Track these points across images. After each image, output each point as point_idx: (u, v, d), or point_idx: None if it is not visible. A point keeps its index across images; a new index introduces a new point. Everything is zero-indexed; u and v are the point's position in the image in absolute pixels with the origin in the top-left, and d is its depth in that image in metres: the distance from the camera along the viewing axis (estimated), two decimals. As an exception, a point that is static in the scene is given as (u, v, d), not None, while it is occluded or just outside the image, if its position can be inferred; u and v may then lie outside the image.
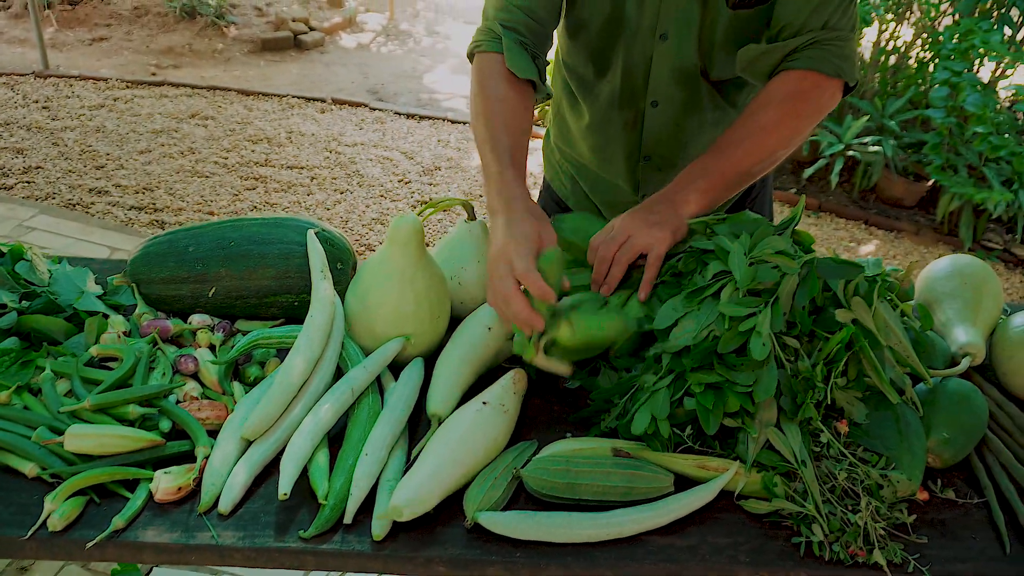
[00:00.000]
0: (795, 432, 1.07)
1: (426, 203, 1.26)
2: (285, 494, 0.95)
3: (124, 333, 1.21)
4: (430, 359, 1.19)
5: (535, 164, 4.28)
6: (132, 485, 1.00)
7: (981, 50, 4.06)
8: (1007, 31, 4.27)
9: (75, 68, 5.63)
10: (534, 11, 1.34)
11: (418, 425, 1.14)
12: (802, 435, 1.08)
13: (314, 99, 5.44)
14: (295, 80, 5.89)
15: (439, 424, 1.07)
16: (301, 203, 4.21)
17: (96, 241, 3.69)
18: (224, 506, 0.97)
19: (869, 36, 4.93)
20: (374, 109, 5.41)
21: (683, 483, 1.07)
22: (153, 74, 5.72)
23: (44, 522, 0.94)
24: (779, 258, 1.13)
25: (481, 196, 4.51)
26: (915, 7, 4.65)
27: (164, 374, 1.12)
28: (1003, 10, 4.19)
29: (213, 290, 1.23)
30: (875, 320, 1.14)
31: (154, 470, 1.00)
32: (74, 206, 4.01)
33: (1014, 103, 4.62)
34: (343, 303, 1.21)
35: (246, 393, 1.11)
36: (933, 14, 4.59)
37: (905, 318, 1.25)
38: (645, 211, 1.24)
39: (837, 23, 1.31)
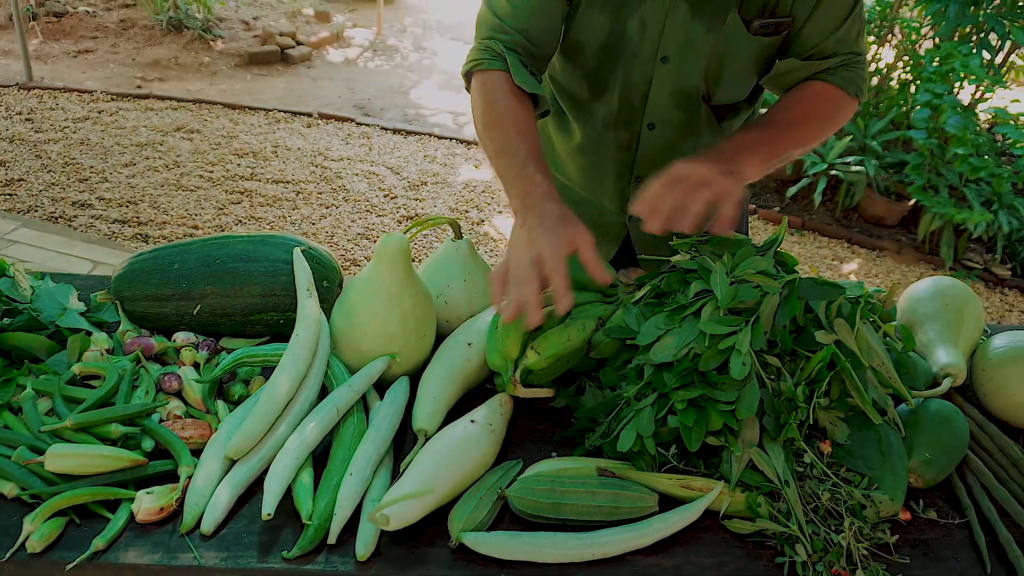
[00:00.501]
0: (778, 452, 1.08)
1: (413, 220, 1.27)
2: (269, 514, 0.94)
3: (107, 351, 1.20)
4: (415, 377, 1.19)
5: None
6: (113, 505, 0.99)
7: (961, 73, 4.13)
8: (986, 55, 4.34)
9: (60, 80, 5.61)
10: (531, 34, 1.34)
11: (404, 444, 1.13)
12: (785, 455, 1.09)
13: (300, 113, 5.44)
14: (281, 94, 5.89)
15: (426, 439, 1.07)
16: (286, 217, 4.20)
17: (78, 255, 3.67)
18: (207, 526, 0.96)
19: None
20: (360, 124, 5.42)
21: (668, 503, 1.07)
22: (139, 87, 5.70)
23: (23, 544, 0.93)
24: (760, 278, 1.14)
25: (468, 212, 4.52)
26: (896, 30, 4.73)
27: (147, 392, 1.12)
28: (982, 34, 4.26)
29: (198, 308, 1.22)
30: (858, 341, 1.15)
31: (136, 490, 0.99)
32: (57, 219, 3.98)
33: (993, 125, 4.69)
34: (329, 321, 1.20)
35: (230, 412, 1.11)
36: (914, 37, 4.67)
37: (887, 339, 1.26)
38: (713, 160, 1.19)
39: (861, 47, 1.41)
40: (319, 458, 1.07)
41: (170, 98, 5.46)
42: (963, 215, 4.14)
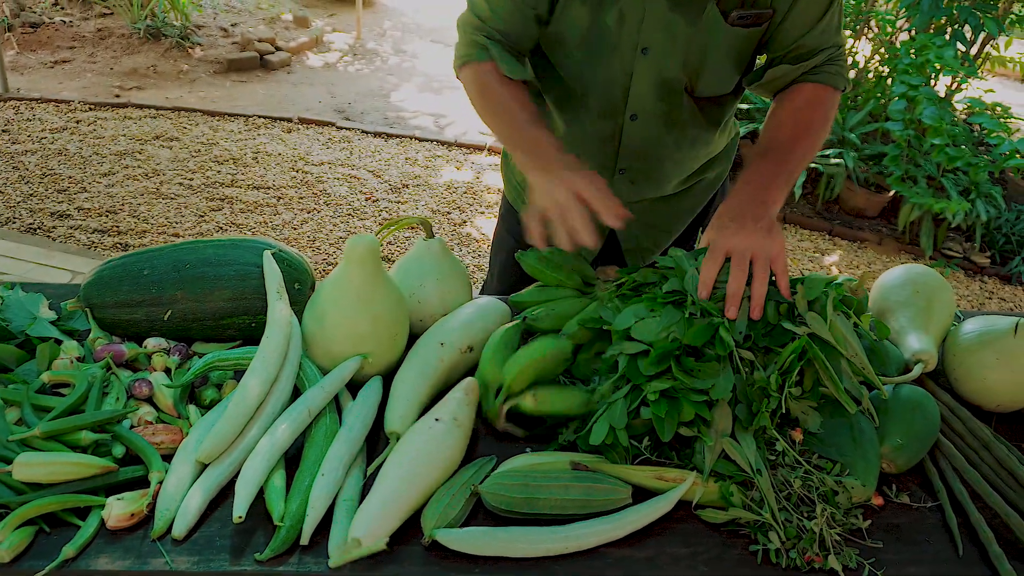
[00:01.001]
0: (750, 441, 1.08)
1: (387, 222, 1.27)
2: (240, 517, 0.94)
3: (78, 359, 1.19)
4: (390, 377, 1.19)
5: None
6: (84, 513, 0.98)
7: (937, 65, 4.16)
8: (960, 47, 4.38)
9: (36, 91, 5.56)
10: (510, 35, 1.41)
11: (378, 443, 1.13)
12: (757, 444, 1.10)
13: (280, 119, 5.42)
14: (261, 100, 5.87)
15: (397, 441, 1.07)
16: (268, 223, 4.18)
17: (57, 265, 3.64)
18: (178, 531, 0.96)
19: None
20: (341, 128, 5.41)
21: (641, 495, 1.07)
22: (117, 96, 5.66)
23: (-8, 553, 0.92)
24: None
25: (450, 213, 4.52)
26: (872, 23, 4.77)
27: (118, 399, 1.11)
28: (956, 27, 4.30)
29: (169, 313, 1.22)
30: (831, 332, 1.16)
31: (107, 497, 0.98)
32: (35, 231, 3.95)
33: (969, 115, 4.74)
34: (301, 323, 1.20)
35: (202, 416, 1.10)
36: (889, 30, 4.71)
37: (859, 328, 1.27)
38: (747, 220, 1.19)
39: (841, 39, 1.42)
40: (292, 460, 1.07)
41: (149, 106, 5.43)
42: (941, 204, 4.18)
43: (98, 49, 6.42)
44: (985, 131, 4.24)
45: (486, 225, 4.44)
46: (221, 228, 4.12)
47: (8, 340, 1.20)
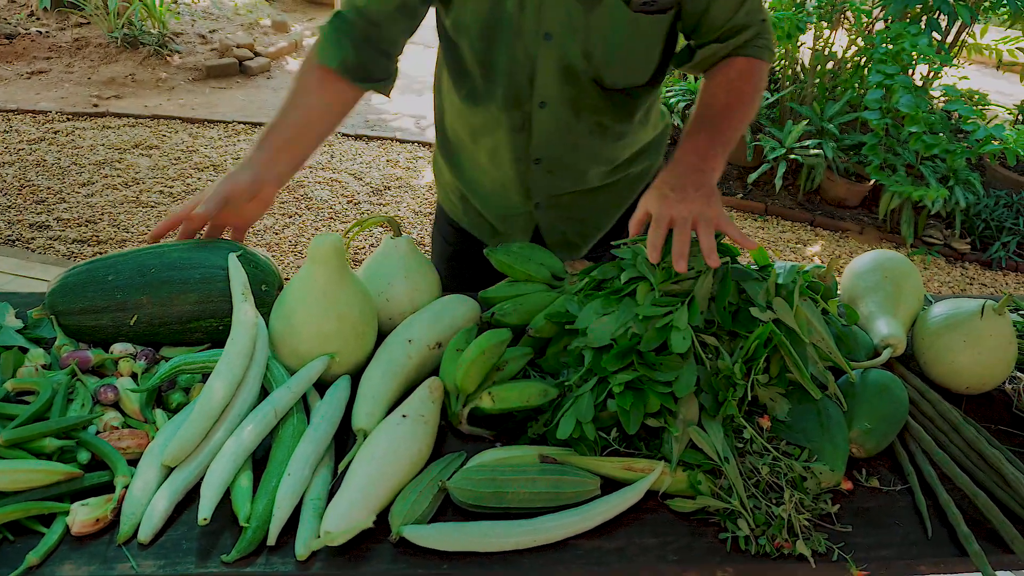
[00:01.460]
0: (717, 429, 1.09)
1: (356, 222, 1.27)
2: (205, 519, 0.94)
3: (43, 366, 1.18)
4: (359, 376, 1.18)
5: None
6: (49, 520, 0.97)
7: (912, 54, 4.19)
8: (936, 36, 4.41)
9: (13, 103, 5.52)
10: (367, 14, 1.38)
11: (347, 443, 1.13)
12: (725, 432, 1.10)
13: (261, 124, 5.40)
14: (241, 106, 5.85)
15: (364, 439, 1.07)
16: (249, 228, 4.17)
17: (36, 276, 3.62)
18: (144, 535, 0.95)
19: (807, 42, 5.06)
20: (322, 132, 5.39)
21: (611, 486, 1.08)
22: (95, 105, 5.63)
23: (-45, 563, 0.92)
24: (694, 260, 1.15)
25: (431, 213, 4.52)
26: (848, 14, 4.79)
27: (83, 405, 1.10)
28: (930, 15, 4.33)
29: (135, 318, 1.21)
30: (797, 318, 1.16)
31: (72, 503, 0.98)
32: (14, 243, 3.93)
33: (946, 103, 4.77)
34: (268, 324, 1.20)
35: (169, 420, 1.10)
36: (865, 20, 4.73)
37: (827, 315, 1.28)
38: (688, 189, 1.21)
39: (764, 15, 1.44)
40: (261, 461, 1.06)
41: (127, 115, 5.40)
42: (920, 192, 4.20)
43: (75, 59, 6.39)
44: (961, 118, 4.27)
45: (469, 225, 4.43)
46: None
47: (-28, 350, 1.19)
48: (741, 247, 1.18)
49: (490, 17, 1.35)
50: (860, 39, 4.77)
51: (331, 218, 4.32)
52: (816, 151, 4.66)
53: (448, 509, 1.04)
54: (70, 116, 5.34)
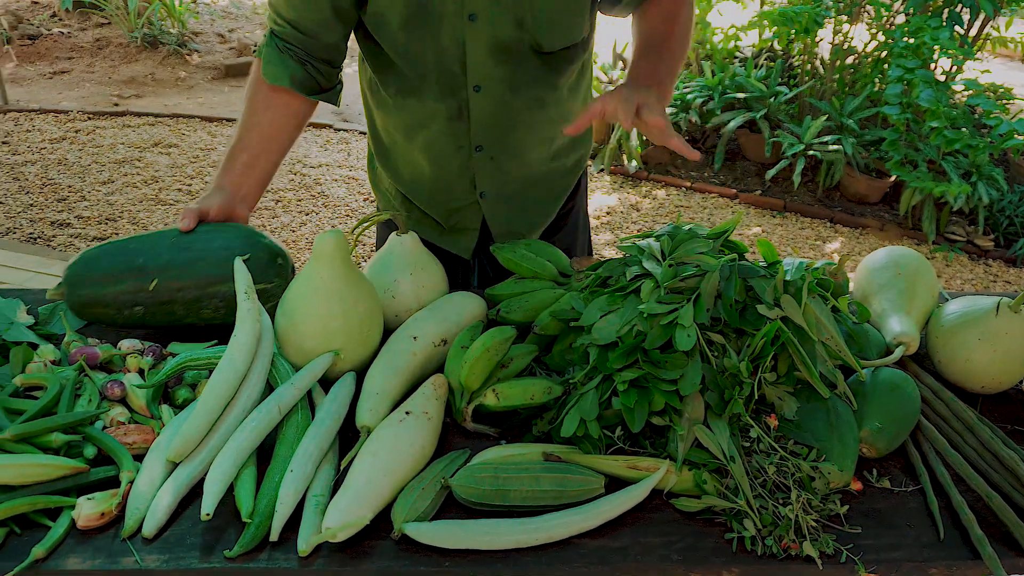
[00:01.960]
0: (723, 428, 1.08)
1: (362, 219, 1.27)
2: (208, 515, 0.94)
3: (53, 362, 1.19)
4: (364, 373, 1.18)
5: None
6: (55, 514, 0.98)
7: (934, 47, 4.13)
8: (958, 29, 4.35)
9: (36, 102, 5.60)
10: (301, 25, 1.38)
11: (351, 440, 1.13)
12: (731, 431, 1.09)
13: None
14: (260, 104, 5.88)
15: (368, 436, 1.07)
16: (266, 226, 4.19)
17: (56, 273, 3.66)
18: (148, 530, 0.96)
19: (826, 37, 5.00)
20: (339, 130, 5.42)
21: (616, 485, 1.07)
22: (115, 105, 5.69)
23: (-37, 556, 0.93)
24: (700, 258, 1.14)
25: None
26: (868, 7, 4.73)
27: (91, 400, 1.11)
28: (952, 8, 4.26)
29: (155, 282, 1.22)
30: (805, 316, 1.15)
31: (78, 497, 0.98)
32: (35, 240, 3.98)
33: (968, 97, 4.69)
34: (273, 320, 1.20)
35: (175, 416, 1.10)
36: (885, 14, 4.67)
37: (837, 312, 1.26)
38: (639, 88, 1.28)
39: None
40: (265, 457, 1.07)
41: (147, 114, 5.45)
42: (942, 188, 4.14)
43: (96, 59, 6.46)
44: (984, 113, 4.20)
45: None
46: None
47: (-16, 345, 1.20)
48: (680, 153, 1.23)
49: (410, 6, 1.31)
50: (880, 33, 4.71)
51: (347, 215, 4.33)
52: (835, 147, 4.60)
53: (451, 507, 1.04)
54: (91, 115, 5.41)
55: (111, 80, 6.14)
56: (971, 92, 4.40)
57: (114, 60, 6.43)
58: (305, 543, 0.94)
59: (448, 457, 1.08)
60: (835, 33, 4.86)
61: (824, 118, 4.66)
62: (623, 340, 1.10)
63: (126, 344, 1.22)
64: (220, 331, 1.27)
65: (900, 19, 4.70)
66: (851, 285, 1.48)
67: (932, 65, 4.36)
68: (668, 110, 4.96)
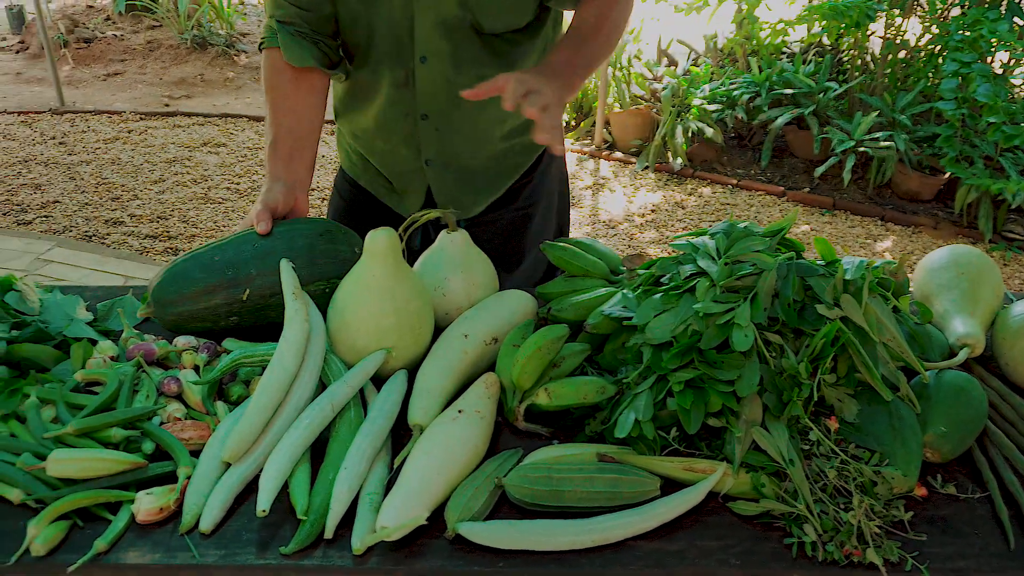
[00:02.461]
0: (781, 431, 1.05)
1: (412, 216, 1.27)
2: (264, 511, 0.95)
3: (112, 358, 1.21)
4: (415, 371, 1.18)
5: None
6: (115, 508, 1.00)
7: (992, 40, 4.00)
8: (1018, 20, 4.20)
9: (90, 104, 5.75)
10: (305, 11, 1.42)
11: (403, 437, 1.13)
12: (790, 434, 1.06)
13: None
14: (305, 104, 5.95)
15: (421, 434, 1.07)
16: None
17: (111, 271, 3.75)
18: (205, 525, 0.97)
19: (877, 31, 4.89)
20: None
21: (670, 486, 1.05)
22: (166, 105, 5.81)
23: (27, 547, 0.94)
24: (756, 256, 1.11)
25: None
26: (920, 0, 4.61)
27: (148, 396, 1.13)
28: (1011, -2, 4.13)
29: (247, 292, 1.24)
30: (866, 316, 1.12)
31: (137, 492, 1.00)
32: (90, 238, 4.08)
33: (1028, 91, 4.54)
34: (325, 318, 1.21)
35: (230, 412, 1.11)
36: (939, 6, 4.54)
37: (899, 313, 1.23)
38: (544, 75, 1.28)
39: None
40: (318, 454, 1.07)
41: (196, 114, 5.56)
42: (999, 185, 4.02)
43: (148, 60, 6.60)
44: (1046, 108, 4.06)
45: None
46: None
47: (46, 341, 1.23)
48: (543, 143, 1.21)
49: None
50: (934, 26, 4.58)
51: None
52: (887, 143, 4.49)
53: (504, 506, 1.03)
54: (143, 116, 5.53)
55: (162, 81, 6.27)
56: (1031, 86, 4.25)
57: (165, 61, 6.57)
58: (360, 541, 0.94)
59: (501, 456, 1.07)
60: (887, 27, 4.75)
61: (875, 114, 4.56)
62: (678, 340, 1.08)
63: (181, 341, 1.24)
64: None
65: (955, 12, 4.57)
66: (910, 285, 1.44)
67: (989, 59, 4.23)
68: (713, 106, 4.91)
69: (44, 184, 4.60)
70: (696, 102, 4.95)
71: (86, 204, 4.39)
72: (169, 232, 4.13)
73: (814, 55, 5.30)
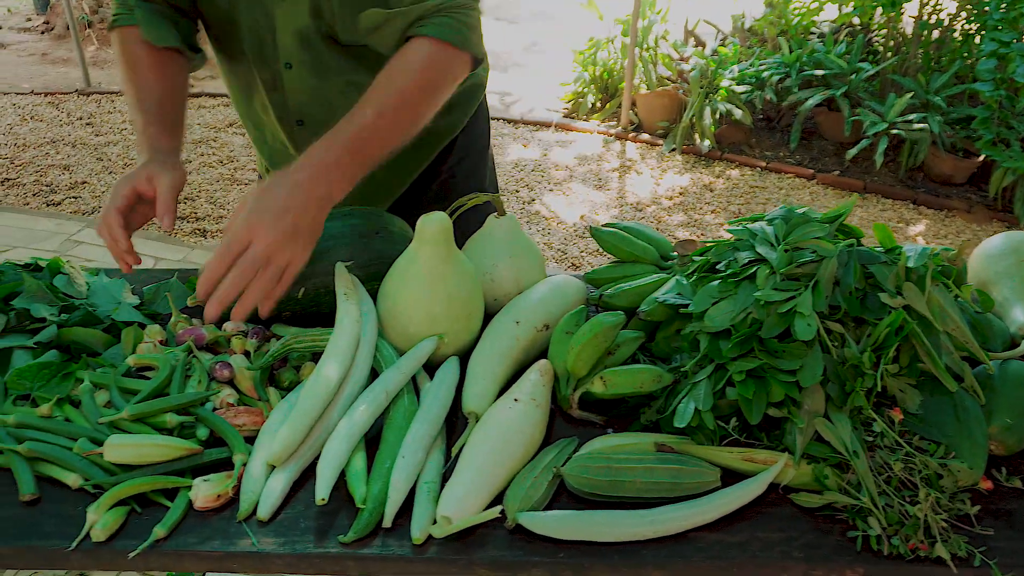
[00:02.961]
0: (845, 421, 1.03)
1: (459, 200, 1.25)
2: (323, 499, 0.94)
3: (161, 342, 1.21)
4: (466, 358, 1.17)
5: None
6: (172, 494, 1.00)
7: (1031, 18, 3.91)
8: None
9: (116, 84, 5.75)
10: None
11: (456, 424, 1.12)
12: (852, 424, 1.04)
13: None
14: (329, 85, 5.93)
15: (476, 421, 1.05)
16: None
17: (140, 251, 3.75)
18: (263, 513, 0.96)
19: (910, 10, 4.79)
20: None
21: (730, 477, 1.03)
22: (191, 86, 5.81)
23: (88, 533, 0.94)
24: (817, 243, 1.09)
25: (518, 191, 4.49)
26: (958, -23, 4.51)
27: (200, 382, 1.12)
28: (1053, -25, 4.02)
29: (302, 291, 1.23)
30: (929, 304, 1.09)
31: (193, 478, 0.99)
32: (119, 219, 4.09)
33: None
34: (376, 304, 1.19)
35: (282, 398, 1.11)
36: (977, -16, 4.44)
37: (960, 300, 1.20)
38: (288, 214, 1.08)
39: None
40: (373, 442, 1.06)
41: (221, 95, 5.55)
42: (1037, 169, 3.93)
43: (172, 41, 6.59)
44: (1087, 88, 3.97)
45: (554, 202, 4.40)
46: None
47: (95, 325, 1.22)
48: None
49: None
50: (970, 5, 4.48)
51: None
52: (920, 125, 4.41)
53: (562, 495, 1.02)
54: (168, 97, 5.53)
55: (185, 62, 6.26)
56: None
57: (188, 43, 6.56)
58: (419, 530, 0.93)
59: (558, 445, 1.06)
60: (921, 6, 4.65)
61: (909, 95, 4.47)
62: (737, 328, 1.06)
63: (230, 326, 1.23)
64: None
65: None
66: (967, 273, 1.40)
67: (1028, 38, 4.13)
68: (742, 87, 4.83)
69: (72, 165, 4.62)
70: (724, 83, 4.88)
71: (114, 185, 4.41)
72: (196, 213, 4.14)
73: (845, 35, 5.21)
